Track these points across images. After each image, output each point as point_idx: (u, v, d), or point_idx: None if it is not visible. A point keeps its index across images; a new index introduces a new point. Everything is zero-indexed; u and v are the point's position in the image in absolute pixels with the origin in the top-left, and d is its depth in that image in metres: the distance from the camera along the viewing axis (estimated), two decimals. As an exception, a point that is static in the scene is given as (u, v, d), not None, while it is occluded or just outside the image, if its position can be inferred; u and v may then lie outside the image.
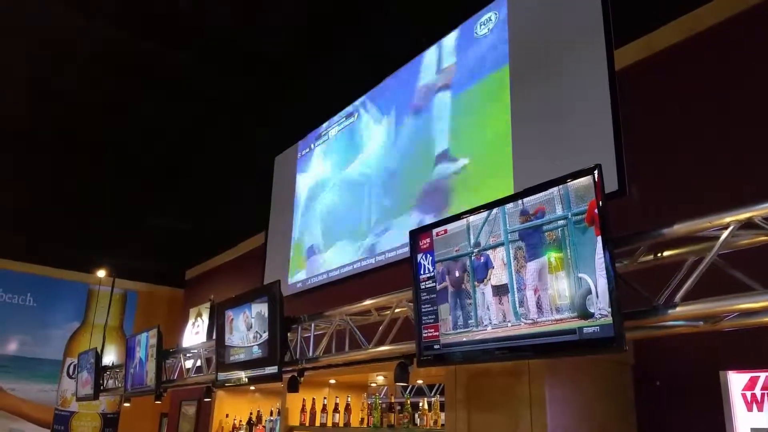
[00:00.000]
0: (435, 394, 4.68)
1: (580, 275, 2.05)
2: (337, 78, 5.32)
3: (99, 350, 7.21)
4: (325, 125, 6.18)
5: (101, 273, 9.76)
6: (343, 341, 3.74)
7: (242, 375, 4.13)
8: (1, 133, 6.09)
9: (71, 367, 9.62)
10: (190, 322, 9.11)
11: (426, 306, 2.67)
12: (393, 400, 4.26)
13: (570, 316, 2.06)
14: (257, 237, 7.72)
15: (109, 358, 9.17)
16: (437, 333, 2.61)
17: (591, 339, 1.97)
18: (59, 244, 9.04)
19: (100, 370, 7.02)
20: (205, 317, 8.62)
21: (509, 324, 2.30)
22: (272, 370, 3.76)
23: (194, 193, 7.52)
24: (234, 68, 5.02)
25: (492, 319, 2.37)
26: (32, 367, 9.55)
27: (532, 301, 2.21)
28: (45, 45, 4.78)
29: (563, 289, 2.10)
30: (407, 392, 4.44)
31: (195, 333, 8.79)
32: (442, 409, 3.83)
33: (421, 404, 4.07)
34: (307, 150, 6.43)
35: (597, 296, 1.98)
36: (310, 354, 3.87)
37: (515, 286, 2.28)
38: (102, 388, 7.02)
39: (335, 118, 6.01)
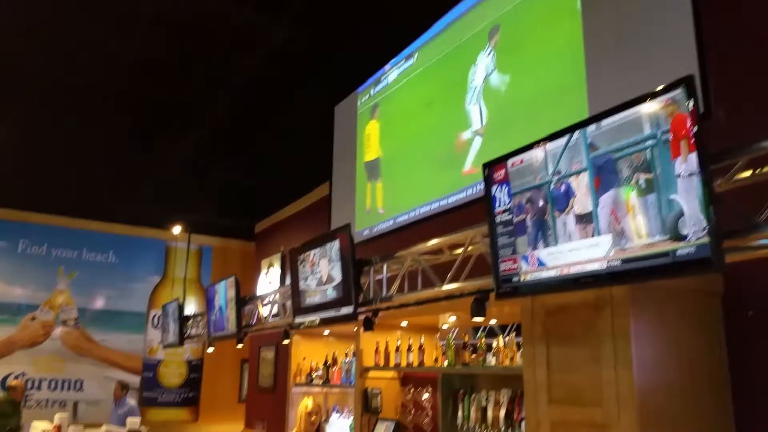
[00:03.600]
0: (508, 335, 4.65)
1: (671, 197, 1.93)
2: (394, 21, 5.17)
3: (180, 301, 7.60)
4: (383, 70, 6.07)
5: (177, 229, 10.18)
6: (415, 282, 3.74)
7: (318, 317, 4.22)
8: (76, 97, 6.32)
9: (155, 318, 10.20)
10: (263, 272, 9.41)
11: (503, 238, 2.60)
12: (467, 340, 4.26)
13: (661, 240, 1.95)
14: (322, 187, 7.80)
15: (190, 308, 9.65)
16: (516, 266, 2.55)
17: (686, 261, 1.86)
18: (136, 204, 9.43)
19: (182, 319, 7.41)
20: (277, 266, 8.87)
21: (594, 252, 2.20)
22: (348, 310, 3.82)
23: (258, 147, 7.62)
24: (290, 18, 4.96)
25: (575, 248, 2.28)
26: (119, 319, 10.19)
27: (619, 227, 2.10)
28: (102, 9, 4.86)
29: (653, 212, 1.99)
30: (479, 332, 4.43)
31: (268, 282, 9.08)
32: (517, 348, 3.80)
33: (495, 343, 4.05)
34: (367, 97, 6.36)
35: (690, 217, 1.86)
36: (384, 294, 3.90)
37: (599, 213, 2.18)
38: (186, 336, 7.41)
39: (393, 60, 5.89)
